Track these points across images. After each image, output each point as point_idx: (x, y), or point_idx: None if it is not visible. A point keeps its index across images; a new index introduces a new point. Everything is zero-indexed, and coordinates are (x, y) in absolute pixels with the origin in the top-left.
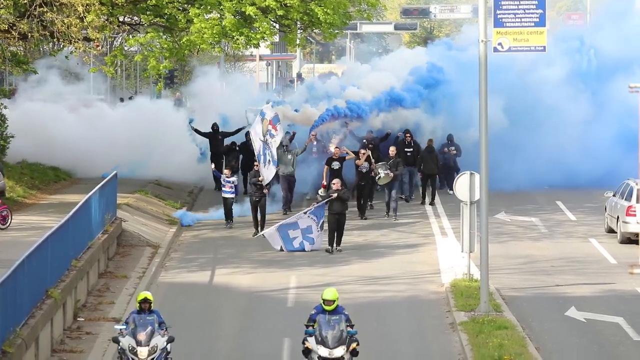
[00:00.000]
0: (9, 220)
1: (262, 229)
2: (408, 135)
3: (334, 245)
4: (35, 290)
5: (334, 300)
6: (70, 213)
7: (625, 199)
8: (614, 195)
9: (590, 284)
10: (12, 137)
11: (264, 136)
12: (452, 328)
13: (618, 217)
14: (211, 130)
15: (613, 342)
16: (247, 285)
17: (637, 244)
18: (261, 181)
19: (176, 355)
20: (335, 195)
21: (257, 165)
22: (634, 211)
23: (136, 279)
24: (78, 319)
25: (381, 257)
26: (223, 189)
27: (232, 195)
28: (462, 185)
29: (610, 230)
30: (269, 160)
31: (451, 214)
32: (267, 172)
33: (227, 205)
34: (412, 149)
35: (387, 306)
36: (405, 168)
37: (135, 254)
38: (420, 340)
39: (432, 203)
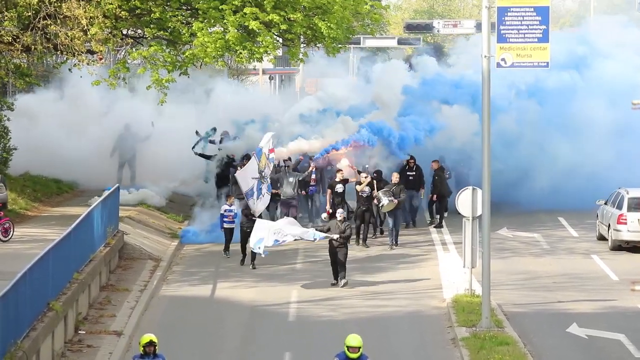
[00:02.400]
0: (11, 232)
1: (252, 260)
2: (412, 160)
3: (339, 279)
4: (36, 303)
5: (359, 347)
6: (73, 226)
7: (617, 207)
8: (605, 204)
9: (592, 301)
10: (15, 149)
11: (260, 172)
12: (453, 344)
13: (609, 225)
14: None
15: (614, 359)
16: (248, 299)
17: (628, 250)
18: (252, 213)
19: None
20: (336, 237)
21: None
22: (625, 219)
23: (138, 292)
24: (79, 331)
25: (383, 272)
26: (225, 219)
27: (233, 226)
28: (464, 200)
29: (602, 238)
30: (263, 193)
31: (453, 229)
32: (260, 204)
33: (227, 235)
34: (414, 173)
35: (388, 321)
36: (408, 192)
37: (137, 267)
38: (421, 355)
39: (440, 225)
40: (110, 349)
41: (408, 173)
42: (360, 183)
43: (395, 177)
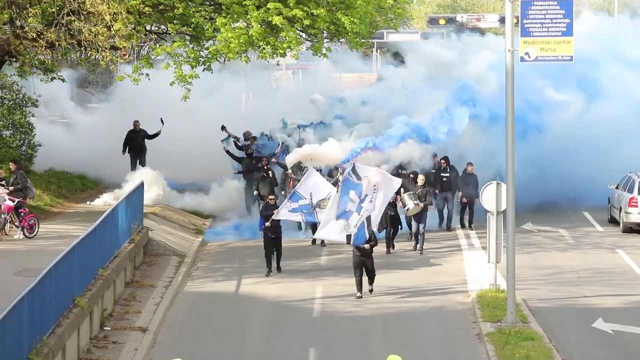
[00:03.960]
0: (36, 229)
1: (278, 266)
2: (444, 161)
3: (361, 289)
4: (62, 299)
5: None
6: (97, 222)
7: (628, 191)
8: (617, 188)
9: (618, 295)
10: (40, 145)
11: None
12: (478, 339)
13: (621, 207)
14: (244, 155)
15: None
16: (273, 295)
17: (638, 232)
18: (273, 216)
19: None
20: (367, 245)
21: (271, 199)
22: (636, 202)
23: (162, 288)
24: (104, 328)
25: (407, 267)
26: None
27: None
28: (489, 195)
29: (613, 220)
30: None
31: (478, 224)
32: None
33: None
34: (448, 174)
35: (413, 317)
36: (442, 194)
37: (162, 263)
38: (446, 351)
39: (470, 227)
40: (136, 345)
41: (442, 174)
42: None
43: (421, 180)
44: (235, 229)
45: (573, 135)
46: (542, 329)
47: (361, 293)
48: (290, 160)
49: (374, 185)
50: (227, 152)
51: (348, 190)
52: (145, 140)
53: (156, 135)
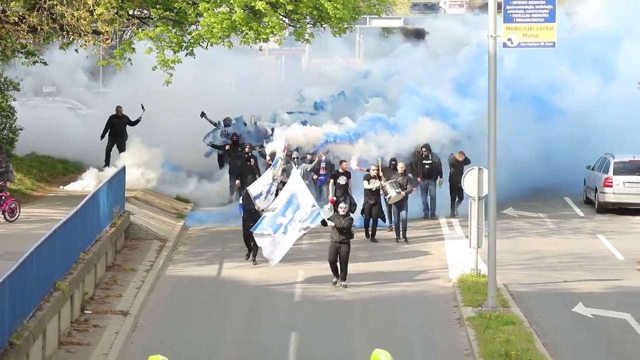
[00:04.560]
0: (17, 212)
1: (254, 258)
2: (425, 149)
3: (338, 279)
4: (43, 283)
5: None
6: (79, 206)
7: (603, 172)
8: (592, 169)
9: (598, 280)
10: (21, 129)
11: (273, 178)
12: (459, 323)
13: (596, 188)
14: (230, 142)
15: (620, 338)
16: (254, 279)
17: (613, 212)
18: (257, 208)
19: (184, 348)
20: (332, 224)
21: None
22: (611, 182)
23: (144, 272)
24: (85, 311)
25: (389, 251)
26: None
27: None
28: (470, 180)
29: (588, 201)
30: (272, 191)
31: (459, 209)
32: (265, 203)
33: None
34: (430, 161)
35: (395, 301)
36: (424, 182)
37: (143, 247)
38: (427, 335)
39: (454, 214)
40: (117, 328)
41: (424, 162)
42: (368, 178)
43: (401, 167)
44: (215, 215)
45: (584, 119)
46: (523, 314)
47: (337, 278)
48: (271, 147)
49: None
50: (211, 145)
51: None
52: (127, 126)
53: (137, 121)
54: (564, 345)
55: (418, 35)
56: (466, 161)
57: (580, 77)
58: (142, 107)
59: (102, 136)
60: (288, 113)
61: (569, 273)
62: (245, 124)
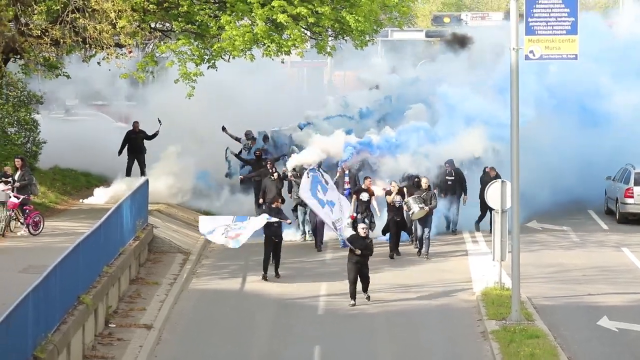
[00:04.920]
0: (41, 226)
1: (276, 272)
2: (448, 165)
3: (355, 297)
4: (67, 297)
5: None
6: (102, 219)
7: (624, 182)
8: (613, 179)
9: (623, 294)
10: (45, 142)
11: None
12: (483, 337)
13: (617, 198)
14: (254, 157)
15: None
16: (277, 292)
17: (634, 223)
18: (281, 220)
19: None
20: (358, 252)
21: (277, 203)
22: (632, 193)
23: (167, 286)
24: (109, 325)
25: (412, 265)
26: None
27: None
28: (493, 193)
29: (609, 212)
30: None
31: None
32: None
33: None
34: (453, 177)
35: (418, 314)
36: (447, 197)
37: (167, 261)
38: (451, 348)
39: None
40: (141, 342)
41: (447, 177)
42: (390, 192)
43: (424, 183)
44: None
45: (626, 128)
46: (547, 327)
47: (355, 301)
48: (292, 163)
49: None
50: (237, 155)
51: (317, 184)
52: (145, 141)
53: (155, 135)
54: (588, 358)
55: (462, 42)
56: (497, 177)
57: (622, 85)
58: (159, 121)
59: (120, 152)
60: (326, 119)
61: (593, 286)
62: (267, 139)
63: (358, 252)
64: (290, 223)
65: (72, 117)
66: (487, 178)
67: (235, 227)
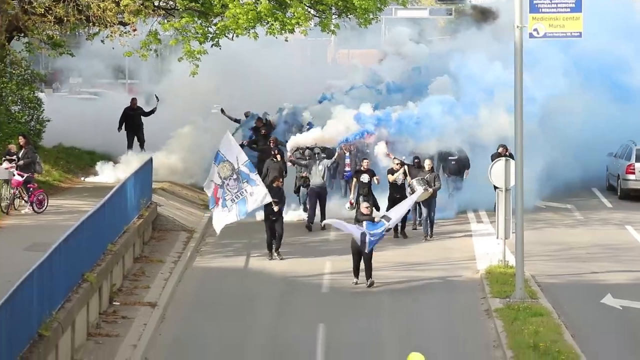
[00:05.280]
0: (45, 204)
1: (277, 250)
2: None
3: (358, 275)
4: (71, 274)
5: None
6: (106, 197)
7: (625, 159)
8: (615, 156)
9: (627, 271)
10: (48, 120)
11: (222, 179)
12: (487, 314)
13: (618, 175)
14: (260, 132)
15: None
16: (281, 270)
17: (636, 199)
18: (276, 201)
19: (211, 339)
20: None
21: (278, 182)
22: (633, 169)
23: (171, 264)
24: (114, 303)
25: (416, 243)
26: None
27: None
28: (497, 171)
29: (611, 188)
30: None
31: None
32: (225, 217)
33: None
34: (456, 157)
35: (422, 292)
36: (450, 177)
37: (171, 239)
38: (455, 326)
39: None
40: (145, 320)
41: (449, 157)
42: (392, 171)
43: (428, 165)
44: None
45: None
46: (551, 305)
47: (358, 279)
48: (292, 144)
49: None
50: (242, 145)
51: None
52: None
53: (152, 112)
54: (592, 336)
55: (484, 15)
56: (511, 156)
57: None
58: (157, 98)
59: (119, 128)
60: (350, 90)
61: (597, 264)
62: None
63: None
64: (278, 209)
65: (80, 95)
66: (498, 157)
67: (232, 191)
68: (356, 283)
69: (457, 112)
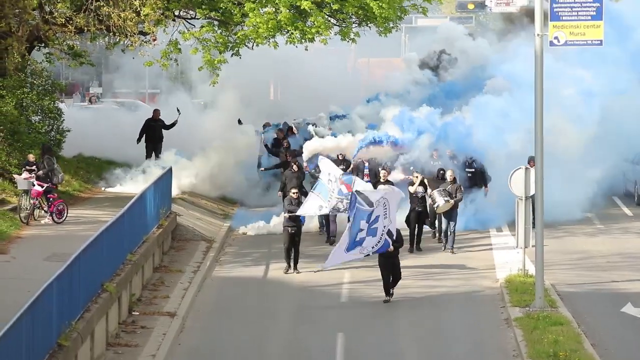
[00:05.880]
0: (65, 214)
1: (296, 264)
2: (470, 157)
3: (390, 292)
4: (90, 284)
5: None
6: (126, 207)
7: None
8: (632, 162)
9: None
10: (69, 131)
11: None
12: (506, 324)
13: (636, 181)
14: (281, 144)
15: None
16: (300, 280)
17: None
18: (294, 212)
19: (230, 349)
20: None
21: (295, 193)
22: None
23: (191, 274)
24: (133, 313)
25: (435, 252)
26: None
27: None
28: (517, 180)
29: (629, 194)
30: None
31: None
32: (310, 208)
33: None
34: (473, 170)
35: (441, 301)
36: (465, 192)
37: (190, 248)
38: (474, 335)
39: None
40: (164, 330)
41: (467, 170)
42: (412, 183)
43: (450, 176)
44: (262, 218)
45: None
46: (571, 314)
47: (389, 297)
48: (309, 152)
49: (384, 204)
50: (266, 146)
51: (359, 220)
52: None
53: (173, 125)
54: (612, 345)
55: (512, 21)
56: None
57: None
58: (178, 111)
59: (139, 140)
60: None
61: (617, 273)
62: (291, 130)
63: (391, 248)
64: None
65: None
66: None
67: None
68: (388, 301)
69: (514, 117)
